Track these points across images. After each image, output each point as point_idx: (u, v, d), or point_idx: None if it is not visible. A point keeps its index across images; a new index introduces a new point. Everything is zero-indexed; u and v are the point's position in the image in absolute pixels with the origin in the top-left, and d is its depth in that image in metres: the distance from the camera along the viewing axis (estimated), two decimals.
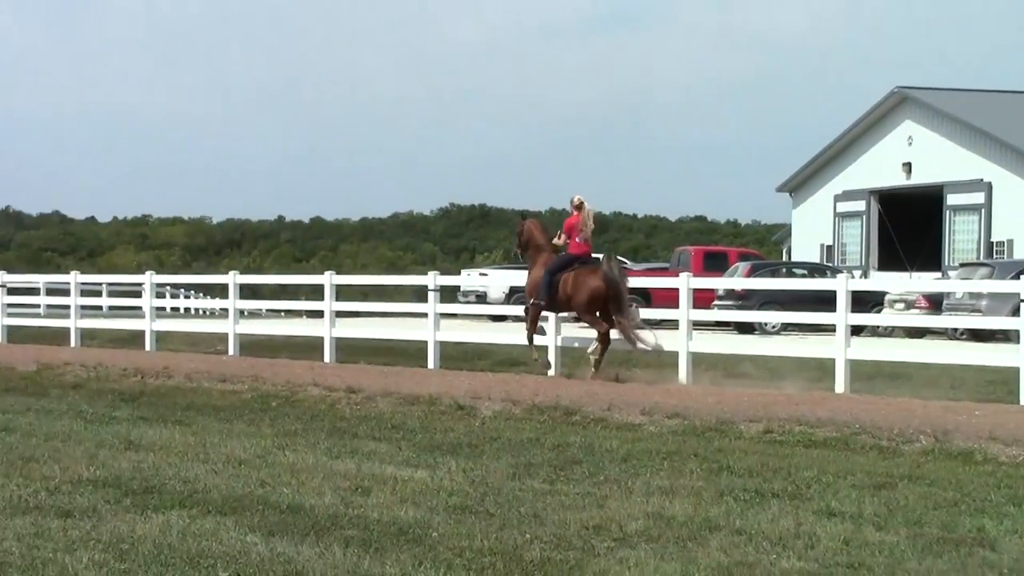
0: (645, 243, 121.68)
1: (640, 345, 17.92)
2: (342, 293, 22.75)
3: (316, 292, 27.61)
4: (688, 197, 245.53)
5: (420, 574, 6.86)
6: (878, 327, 28.37)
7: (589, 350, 18.40)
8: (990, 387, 16.39)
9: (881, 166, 44.72)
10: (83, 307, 27.05)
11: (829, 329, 18.67)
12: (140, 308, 29.29)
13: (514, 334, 22.58)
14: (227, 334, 23.46)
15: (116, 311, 33.47)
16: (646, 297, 32.37)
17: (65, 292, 29.75)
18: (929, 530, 8.11)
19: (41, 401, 15.55)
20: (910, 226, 43.84)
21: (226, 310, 24.06)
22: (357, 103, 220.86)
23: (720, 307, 29.96)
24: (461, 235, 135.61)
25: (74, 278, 27.05)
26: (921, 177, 43.19)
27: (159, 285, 27.07)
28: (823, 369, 17.16)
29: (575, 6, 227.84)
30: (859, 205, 45.62)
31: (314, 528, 7.99)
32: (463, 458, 11.00)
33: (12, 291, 28.58)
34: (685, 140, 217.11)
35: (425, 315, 21.26)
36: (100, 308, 32.37)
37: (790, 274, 33.39)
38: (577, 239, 18.33)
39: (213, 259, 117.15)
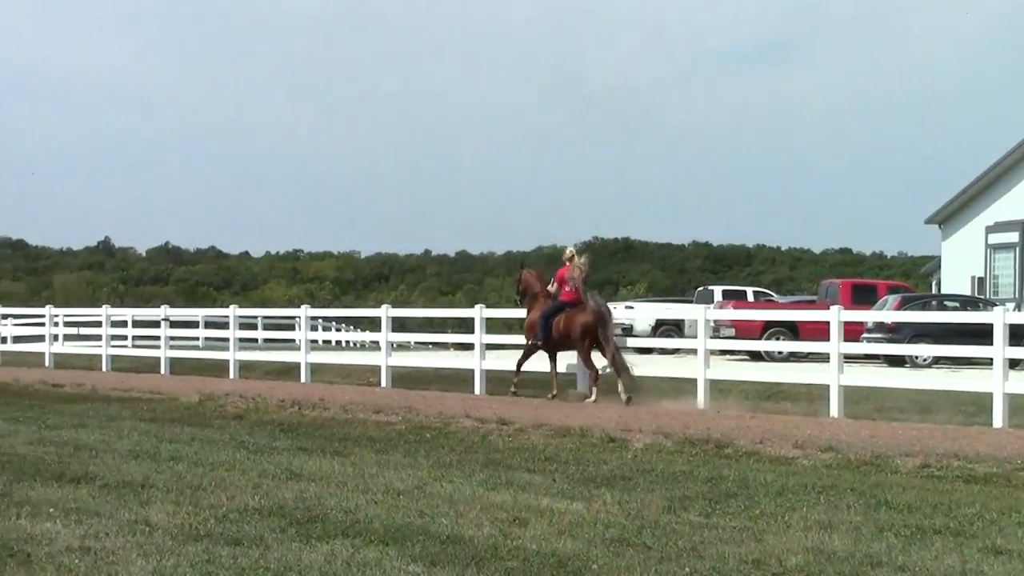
0: (789, 275, 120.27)
1: (625, 373, 19.98)
2: (489, 326, 22.99)
3: (463, 325, 27.98)
4: (833, 229, 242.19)
5: None
6: None
7: (620, 391, 19.95)
8: None
9: None
10: (240, 340, 27.72)
11: (981, 363, 18.35)
12: (293, 341, 29.98)
13: (662, 366, 22.63)
14: (379, 366, 23.89)
15: (270, 343, 34.19)
16: (793, 330, 32.14)
17: (222, 325, 30.59)
18: None
19: (205, 431, 15.96)
20: None
21: (376, 343, 24.48)
22: (502, 136, 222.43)
23: (869, 340, 29.51)
24: (605, 268, 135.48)
25: (233, 312, 27.78)
26: None
27: (312, 318, 27.58)
28: (978, 404, 16.84)
29: (720, 38, 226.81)
30: (1012, 236, 44.45)
31: (474, 559, 8.11)
32: (617, 490, 11.06)
33: (174, 324, 29.46)
34: (830, 171, 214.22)
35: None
36: (256, 341, 33.11)
37: (941, 307, 32.76)
38: (567, 288, 20.87)
39: (361, 292, 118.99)
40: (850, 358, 21.66)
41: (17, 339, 36.80)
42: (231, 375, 26.54)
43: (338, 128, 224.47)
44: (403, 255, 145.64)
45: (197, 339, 36.18)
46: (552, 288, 21.28)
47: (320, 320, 49.21)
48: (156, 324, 30.88)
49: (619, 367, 20.02)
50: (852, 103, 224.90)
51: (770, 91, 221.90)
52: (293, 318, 34.95)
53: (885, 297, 33.68)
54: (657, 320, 38.17)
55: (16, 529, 9.02)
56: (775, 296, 42.97)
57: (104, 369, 29.61)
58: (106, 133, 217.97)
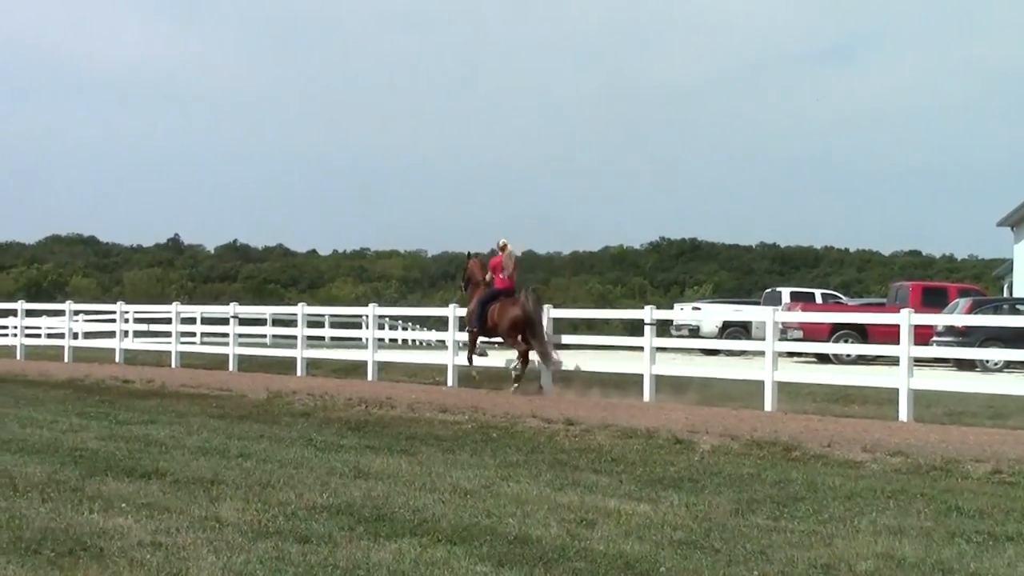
0: (857, 277, 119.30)
1: (551, 366, 21.77)
2: (556, 326, 22.98)
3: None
4: (903, 231, 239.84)
5: None
6: None
7: (512, 365, 22.21)
8: None
9: None
10: (308, 337, 27.90)
11: None
12: (359, 339, 30.13)
13: (729, 368, 22.54)
14: (446, 365, 23.95)
15: (336, 341, 34.37)
16: (862, 333, 31.90)
17: (289, 323, 30.81)
18: None
19: (273, 428, 16.08)
20: None
21: (442, 341, 24.51)
22: (569, 135, 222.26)
23: (939, 343, 29.21)
24: (671, 268, 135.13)
25: (301, 310, 27.95)
26: None
27: (380, 316, 27.70)
28: None
29: (790, 37, 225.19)
30: None
31: (542, 559, 8.11)
32: (685, 492, 11.02)
33: (243, 321, 29.68)
34: (900, 172, 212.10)
35: (639, 348, 21.37)
36: (322, 338, 33.30)
37: (1014, 311, 32.36)
38: (501, 276, 22.32)
39: (428, 291, 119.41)
40: (919, 361, 21.49)
41: (88, 335, 37.26)
42: (298, 372, 26.71)
43: (402, 127, 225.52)
44: None
45: (265, 336, 36.46)
46: (488, 277, 22.61)
47: (387, 318, 49.43)
48: (225, 321, 31.15)
49: (545, 361, 21.74)
50: (923, 103, 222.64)
51: (840, 91, 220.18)
52: (360, 316, 35.13)
53: (956, 300, 33.34)
54: (724, 322, 38.01)
55: (89, 523, 9.14)
56: (843, 298, 42.63)
57: (173, 365, 29.92)
58: (175, 132, 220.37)
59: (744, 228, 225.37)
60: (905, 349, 17.81)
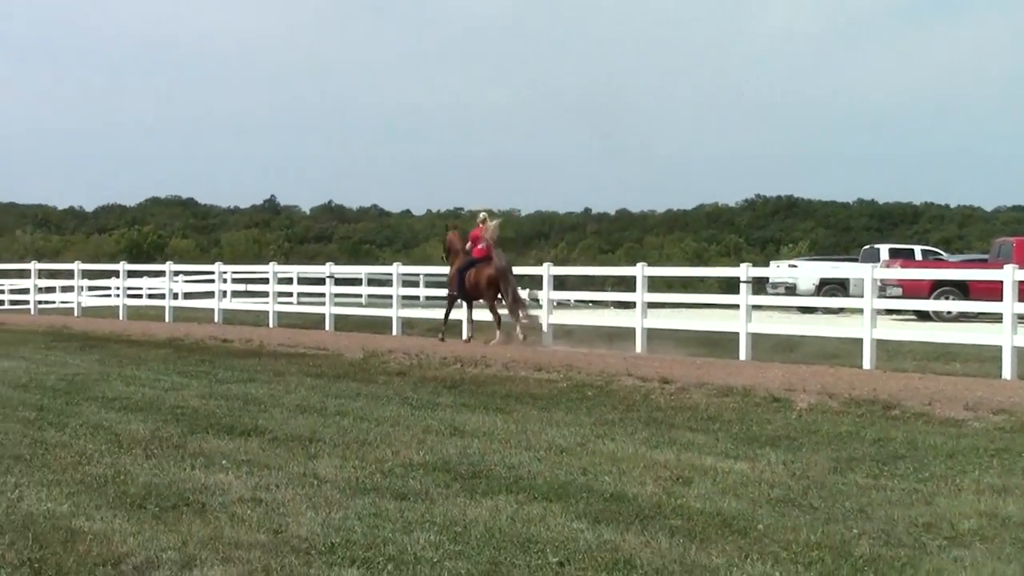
0: (958, 234, 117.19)
1: (523, 320, 23.50)
2: (651, 284, 22.87)
3: (622, 283, 27.86)
4: (1005, 186, 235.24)
5: (747, 566, 6.87)
6: None
7: (516, 331, 23.50)
8: None
9: None
10: (402, 297, 28.04)
11: None
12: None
13: (826, 326, 22.28)
14: (541, 324, 23.95)
15: (432, 301, 34.52)
16: (963, 289, 31.32)
17: (385, 282, 31.00)
18: None
19: (369, 387, 16.21)
20: None
21: (537, 300, 24.51)
22: (663, 92, 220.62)
23: None
24: (766, 226, 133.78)
25: (396, 269, 28.11)
26: None
27: None
28: None
29: None
30: None
31: (638, 517, 8.10)
32: (782, 450, 10.94)
33: (338, 281, 29.90)
34: (1002, 126, 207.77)
35: (734, 306, 21.21)
36: (417, 298, 33.45)
37: None
38: (479, 246, 23.98)
39: (521, 250, 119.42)
40: (1023, 318, 21.04)
41: (188, 295, 37.81)
42: (394, 332, 26.88)
43: (500, 88, 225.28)
44: (563, 213, 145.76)
45: (360, 296, 36.70)
46: (467, 246, 24.32)
47: None
48: (321, 281, 31.40)
49: (516, 313, 23.49)
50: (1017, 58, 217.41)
51: (941, 45, 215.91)
52: None
53: None
54: (821, 279, 37.59)
55: (191, 479, 9.29)
56: (944, 255, 41.93)
57: (271, 325, 30.24)
58: (271, 96, 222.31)
59: (841, 184, 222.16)
60: (1008, 306, 17.47)
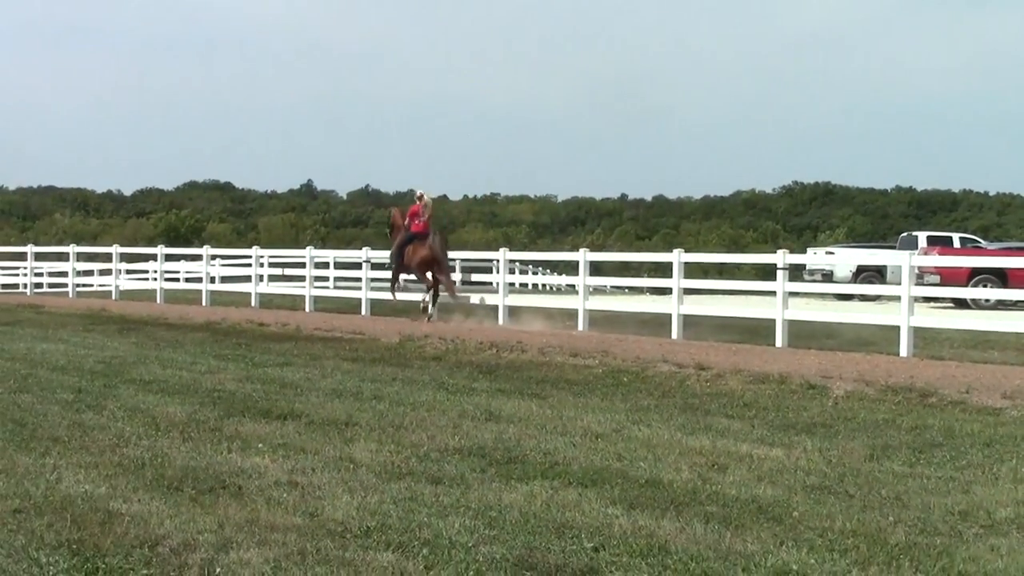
0: (997, 222, 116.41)
1: (455, 298, 25.98)
2: (687, 270, 22.82)
3: (659, 269, 27.82)
4: None
5: (783, 553, 6.85)
6: None
7: (422, 300, 26.16)
8: None
9: None
10: None
11: None
12: (490, 283, 30.21)
13: (864, 313, 22.16)
14: (576, 310, 23.94)
15: (468, 286, 34.53)
16: (1001, 277, 31.09)
17: None
18: None
19: (405, 372, 16.25)
20: None
21: (572, 286, 24.50)
22: (699, 80, 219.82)
23: None
24: (804, 213, 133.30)
25: None
26: None
27: (510, 261, 27.73)
28: None
29: None
30: None
31: (673, 503, 8.09)
32: (818, 438, 10.90)
33: (375, 266, 29.95)
34: None
35: (770, 293, 21.14)
36: (454, 283, 33.43)
37: None
38: (417, 222, 25.84)
39: (558, 236, 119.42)
40: None
41: (225, 279, 37.97)
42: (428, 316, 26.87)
43: (535, 73, 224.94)
44: (600, 199, 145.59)
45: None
46: (406, 222, 26.10)
47: (517, 263, 49.49)
48: (357, 266, 31.46)
49: (445, 290, 25.73)
50: None
51: (981, 32, 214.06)
52: (491, 261, 35.20)
53: None
54: (858, 266, 37.39)
55: (228, 463, 9.34)
56: (982, 242, 41.62)
57: (307, 309, 30.34)
58: (307, 81, 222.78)
59: (879, 172, 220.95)
60: None
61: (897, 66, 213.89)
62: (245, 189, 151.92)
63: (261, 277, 33.87)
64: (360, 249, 31.74)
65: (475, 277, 29.52)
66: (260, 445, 10.10)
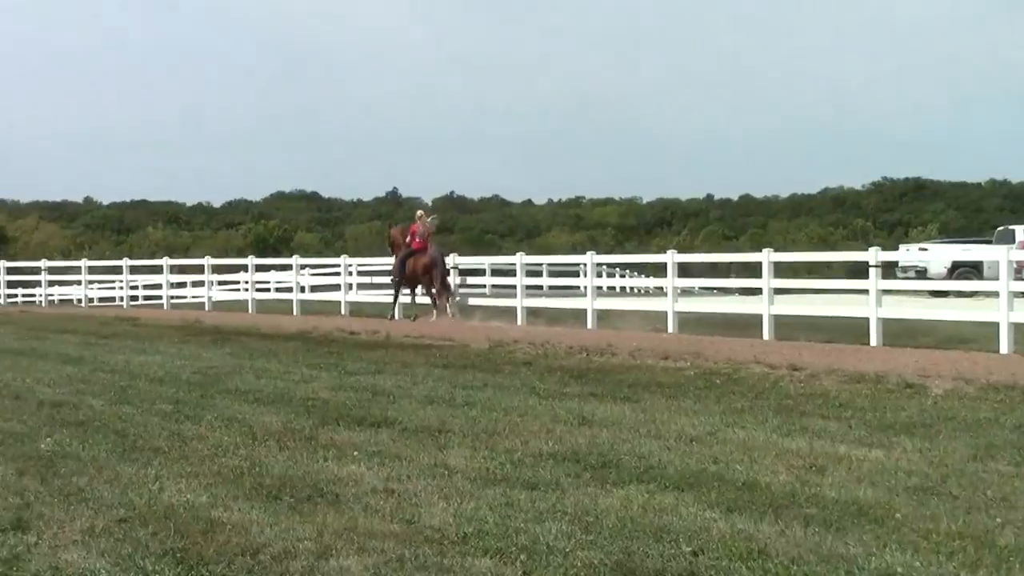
0: None
1: (447, 309, 28.21)
2: (777, 270, 22.60)
3: (747, 270, 27.61)
4: None
5: (886, 556, 6.75)
6: None
7: (447, 311, 28.21)
8: None
9: None
10: (526, 287, 28.07)
11: None
12: (576, 287, 30.16)
13: (959, 311, 21.79)
14: (666, 312, 23.81)
15: (554, 290, 34.50)
16: None
17: (508, 272, 31.01)
18: None
19: (496, 377, 16.24)
20: None
21: (660, 288, 24.38)
22: (787, 76, 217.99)
23: None
24: (894, 209, 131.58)
25: (520, 259, 28.13)
26: None
27: (597, 264, 27.64)
28: None
29: None
30: None
31: (771, 506, 8.00)
32: (918, 438, 10.73)
33: (462, 272, 30.03)
34: None
35: (863, 291, 20.87)
36: (540, 288, 33.46)
37: None
38: (417, 239, 28.80)
39: (644, 238, 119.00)
40: None
41: (314, 288, 38.28)
42: (519, 322, 26.90)
43: (622, 75, 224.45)
44: (685, 200, 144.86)
45: (484, 287, 36.82)
46: (407, 240, 28.96)
47: (604, 267, 49.37)
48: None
49: (443, 296, 28.25)
50: None
51: None
52: (578, 264, 35.14)
53: None
54: (953, 262, 36.79)
55: (324, 471, 9.40)
56: None
57: (396, 317, 30.43)
58: (393, 90, 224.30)
59: (972, 165, 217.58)
60: None
61: (989, 54, 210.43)
62: (331, 198, 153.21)
63: (350, 286, 34.07)
64: (447, 256, 31.79)
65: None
66: (355, 453, 10.15)
